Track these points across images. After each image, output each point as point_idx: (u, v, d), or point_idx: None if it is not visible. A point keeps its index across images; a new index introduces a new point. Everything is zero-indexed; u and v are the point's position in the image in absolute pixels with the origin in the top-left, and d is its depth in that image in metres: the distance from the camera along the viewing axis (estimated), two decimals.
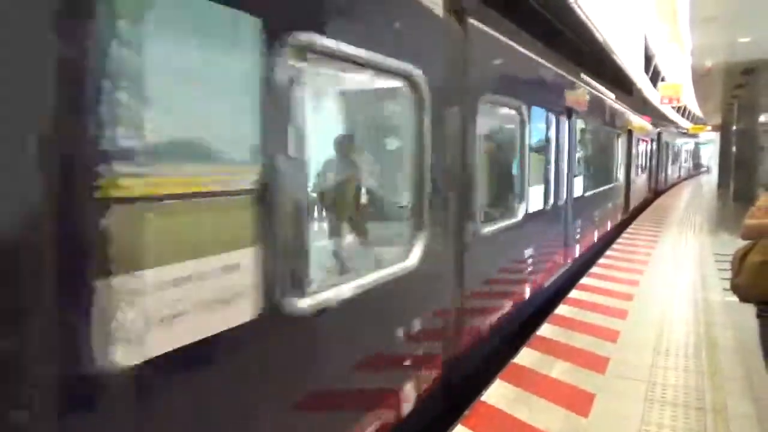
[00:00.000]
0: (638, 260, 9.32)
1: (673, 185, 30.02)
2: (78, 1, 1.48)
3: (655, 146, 20.58)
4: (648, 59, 20.15)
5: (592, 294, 7.14)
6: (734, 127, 22.16)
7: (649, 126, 18.69)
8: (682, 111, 33.11)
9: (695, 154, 54.50)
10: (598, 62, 13.18)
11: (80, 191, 1.49)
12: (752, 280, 2.59)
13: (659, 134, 21.95)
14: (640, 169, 16.93)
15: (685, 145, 41.94)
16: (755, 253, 2.59)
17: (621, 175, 13.23)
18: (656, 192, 21.74)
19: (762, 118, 16.77)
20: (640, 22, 18.00)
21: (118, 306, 1.56)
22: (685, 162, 42.12)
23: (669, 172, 28.54)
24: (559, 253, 7.62)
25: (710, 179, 36.33)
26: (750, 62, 14.61)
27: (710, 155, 61.64)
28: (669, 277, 8.24)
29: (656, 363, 4.86)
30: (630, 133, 14.09)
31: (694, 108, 32.38)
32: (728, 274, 3.06)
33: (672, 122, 32.22)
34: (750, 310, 3.02)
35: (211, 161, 1.94)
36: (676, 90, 19.34)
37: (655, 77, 21.79)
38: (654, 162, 20.74)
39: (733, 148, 20.78)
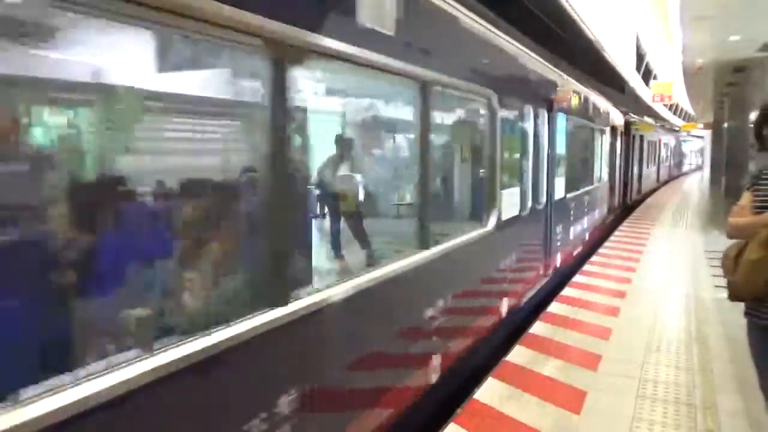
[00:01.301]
0: (631, 258, 9.37)
1: (653, 192, 23.18)
2: None
3: (622, 142, 14.39)
4: (640, 57, 20.21)
5: (585, 292, 7.17)
6: (725, 125, 22.30)
7: (608, 108, 11.83)
8: (674, 109, 33.27)
9: (679, 151, 42.41)
10: (590, 60, 13.20)
11: None
12: (746, 277, 2.60)
13: (628, 125, 15.68)
14: (591, 178, 10.49)
15: (668, 140, 31.51)
16: (749, 251, 2.60)
17: (519, 203, 5.94)
18: (625, 207, 16.00)
19: (752, 116, 16.86)
20: (632, 21, 18.06)
21: None
22: (666, 161, 30.98)
23: (644, 175, 20.71)
24: None
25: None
26: (741, 60, 14.68)
27: (695, 150, 53.91)
28: (661, 274, 8.29)
29: (648, 360, 4.90)
30: (551, 109, 7.15)
31: (686, 106, 32.55)
32: (719, 271, 3.09)
33: (652, 113, 25.77)
34: (737, 307, 3.05)
35: None
36: (667, 88, 19.42)
37: (647, 76, 21.86)
38: (622, 164, 14.73)
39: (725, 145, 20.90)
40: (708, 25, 10.49)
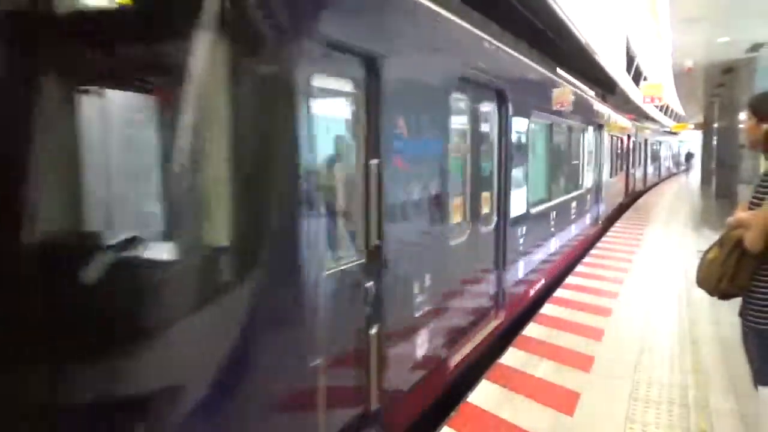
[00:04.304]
0: (623, 258, 9.40)
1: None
2: None
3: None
4: (630, 59, 20.32)
5: (578, 293, 7.18)
6: (716, 125, 22.46)
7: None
8: (665, 110, 33.50)
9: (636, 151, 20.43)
10: (580, 62, 13.25)
11: None
12: (703, 274, 2.64)
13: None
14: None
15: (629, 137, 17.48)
16: (710, 250, 2.64)
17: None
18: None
19: (742, 117, 17.01)
20: (622, 22, 18.17)
21: None
22: (616, 172, 14.70)
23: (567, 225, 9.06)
24: None
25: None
26: (730, 62, 14.80)
27: (667, 149, 37.53)
28: (653, 274, 8.31)
29: (641, 361, 4.90)
30: None
31: (677, 107, 32.81)
32: None
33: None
34: (731, 307, 3.05)
35: None
36: (657, 89, 19.52)
37: (637, 77, 21.98)
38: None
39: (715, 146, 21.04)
40: (697, 26, 10.56)
